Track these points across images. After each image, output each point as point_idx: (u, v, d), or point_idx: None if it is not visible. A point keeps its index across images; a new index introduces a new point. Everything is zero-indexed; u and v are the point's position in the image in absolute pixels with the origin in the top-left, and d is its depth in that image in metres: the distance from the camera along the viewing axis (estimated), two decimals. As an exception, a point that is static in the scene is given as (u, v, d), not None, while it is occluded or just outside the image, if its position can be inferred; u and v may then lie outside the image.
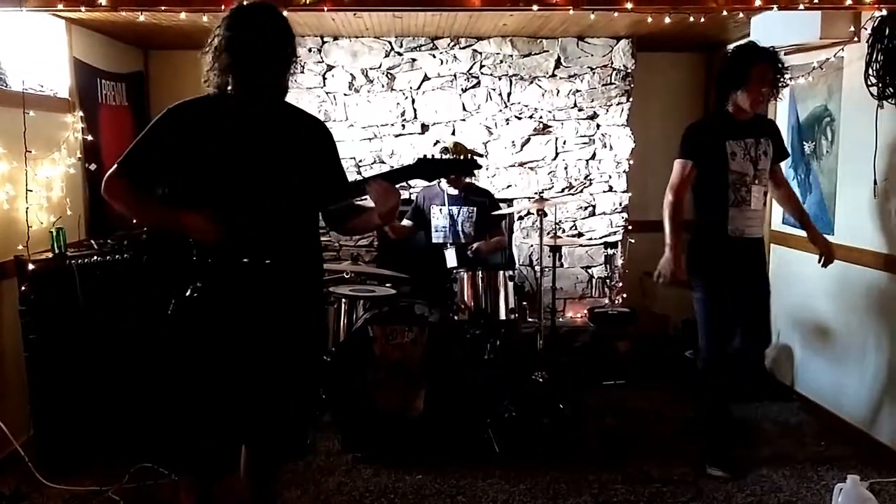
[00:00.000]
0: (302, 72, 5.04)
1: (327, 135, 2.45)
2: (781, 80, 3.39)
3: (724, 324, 3.49)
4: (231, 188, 2.22)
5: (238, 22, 2.19)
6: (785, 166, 4.43)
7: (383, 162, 5.20)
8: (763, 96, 3.35)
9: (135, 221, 2.53)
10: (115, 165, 2.27)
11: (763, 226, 3.65)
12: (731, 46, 5.13)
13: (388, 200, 2.25)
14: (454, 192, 4.59)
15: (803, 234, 4.22)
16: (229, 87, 2.22)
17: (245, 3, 2.28)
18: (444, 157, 3.70)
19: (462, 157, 4.16)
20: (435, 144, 5.06)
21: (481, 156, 5.05)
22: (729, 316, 3.49)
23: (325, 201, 2.43)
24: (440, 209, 4.62)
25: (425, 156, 2.30)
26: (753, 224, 3.49)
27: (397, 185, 2.28)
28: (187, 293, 2.19)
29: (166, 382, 2.41)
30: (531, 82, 5.16)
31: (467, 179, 4.64)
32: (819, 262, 3.57)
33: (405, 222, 4.76)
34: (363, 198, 2.34)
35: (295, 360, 2.39)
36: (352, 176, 5.12)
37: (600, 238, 5.36)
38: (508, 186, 5.26)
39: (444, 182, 4.58)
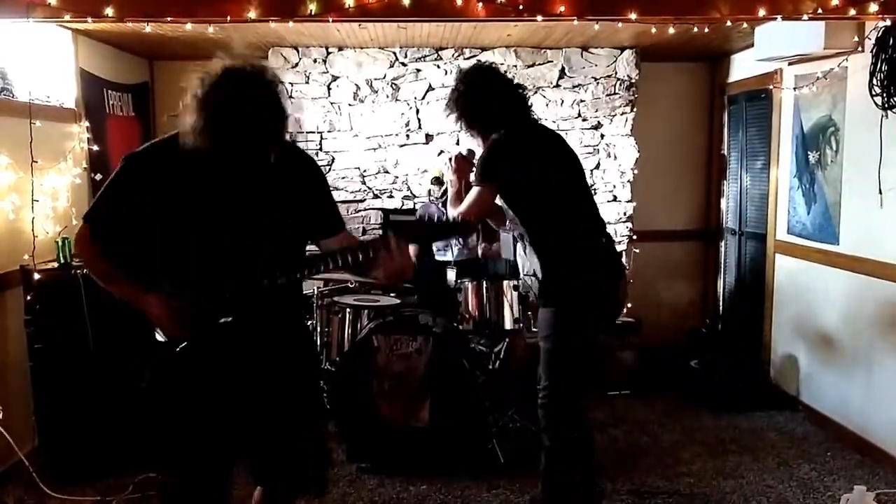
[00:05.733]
0: (307, 82, 5.06)
1: (317, 176, 2.18)
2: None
3: None
4: (205, 247, 1.99)
5: (221, 87, 1.83)
6: (789, 175, 4.45)
7: (387, 172, 5.22)
8: None
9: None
10: (82, 222, 2.08)
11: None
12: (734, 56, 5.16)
13: (393, 265, 1.98)
14: None
15: (808, 243, 4.23)
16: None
17: (233, 66, 1.87)
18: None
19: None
20: (440, 154, 5.09)
21: None
22: None
23: (314, 241, 2.19)
24: None
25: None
26: None
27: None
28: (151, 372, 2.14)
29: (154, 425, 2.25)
30: (535, 92, 5.17)
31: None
32: None
33: None
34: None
35: (288, 398, 2.18)
36: (356, 185, 5.19)
37: (604, 248, 5.35)
38: (512, 196, 5.26)
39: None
